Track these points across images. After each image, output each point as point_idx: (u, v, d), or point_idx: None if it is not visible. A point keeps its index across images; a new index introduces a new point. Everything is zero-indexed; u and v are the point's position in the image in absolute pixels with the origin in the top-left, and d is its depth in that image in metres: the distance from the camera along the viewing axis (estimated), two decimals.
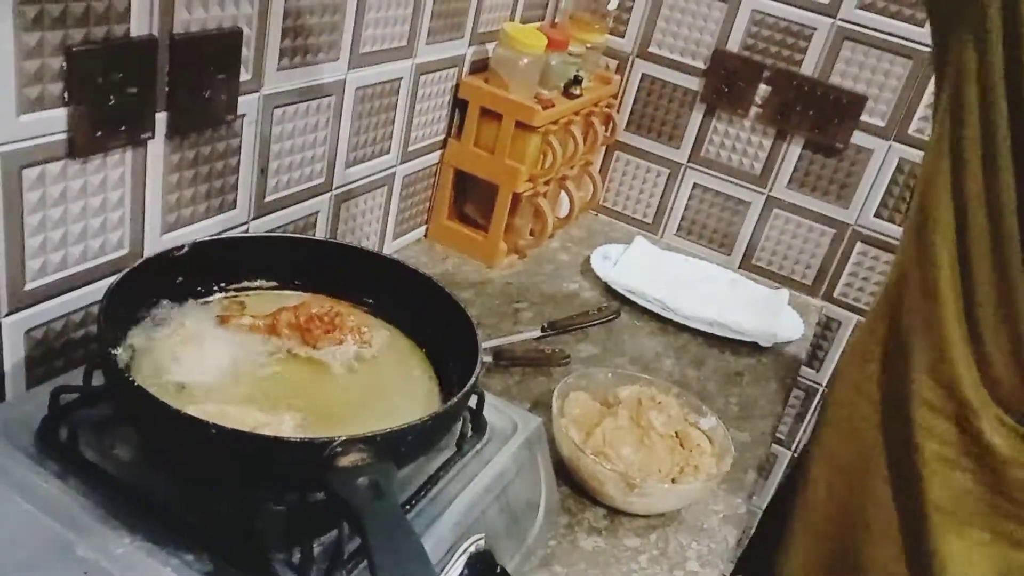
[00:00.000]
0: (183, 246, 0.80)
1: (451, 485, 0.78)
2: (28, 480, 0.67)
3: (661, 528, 1.00)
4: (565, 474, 1.00)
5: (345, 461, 0.61)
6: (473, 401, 0.82)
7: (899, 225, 1.55)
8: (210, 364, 0.75)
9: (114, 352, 0.72)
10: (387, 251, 1.42)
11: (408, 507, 0.73)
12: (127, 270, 0.74)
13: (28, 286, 0.81)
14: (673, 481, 0.98)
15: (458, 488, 0.78)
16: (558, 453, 1.00)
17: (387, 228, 1.39)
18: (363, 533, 0.57)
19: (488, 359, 1.15)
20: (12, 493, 0.66)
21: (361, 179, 1.26)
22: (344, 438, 0.62)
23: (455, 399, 0.70)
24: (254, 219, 1.07)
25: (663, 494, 0.96)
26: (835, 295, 1.65)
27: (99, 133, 0.80)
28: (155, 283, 0.79)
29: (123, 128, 0.83)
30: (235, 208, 1.03)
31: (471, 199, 1.51)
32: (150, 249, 0.93)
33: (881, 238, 1.58)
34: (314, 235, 1.20)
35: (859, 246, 1.60)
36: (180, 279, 0.82)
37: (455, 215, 1.52)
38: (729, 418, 1.22)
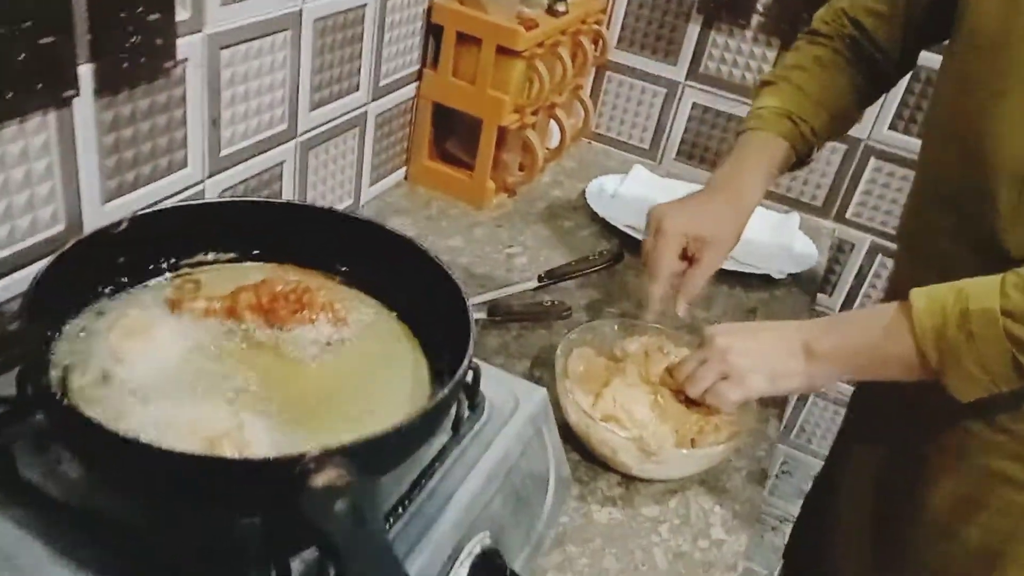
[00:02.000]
0: (120, 221, 0.69)
1: (449, 477, 0.69)
2: None
3: (680, 492, 0.92)
4: (573, 440, 0.92)
5: (320, 479, 0.52)
6: (468, 375, 0.73)
7: (916, 137, 1.44)
8: (159, 359, 0.65)
9: (46, 356, 0.62)
10: (365, 198, 1.30)
11: (401, 509, 0.64)
12: (54, 257, 0.63)
13: None
14: (692, 443, 0.89)
15: (457, 479, 0.69)
16: (564, 417, 0.91)
17: (363, 173, 1.27)
18: (342, 568, 0.48)
19: (482, 315, 1.06)
20: None
21: (329, 122, 1.13)
22: (316, 452, 0.52)
23: (446, 390, 0.60)
24: (210, 176, 0.95)
25: (682, 460, 0.87)
26: (847, 216, 1.54)
27: (10, 95, 0.68)
28: (92, 267, 0.68)
29: (40, 87, 0.71)
30: (187, 166, 0.91)
31: (453, 135, 1.38)
32: (91, 222, 0.82)
33: (897, 152, 1.46)
34: (281, 188, 1.09)
35: (873, 162, 1.49)
36: (122, 259, 0.71)
37: (437, 154, 1.40)
38: None
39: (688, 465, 0.89)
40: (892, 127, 1.45)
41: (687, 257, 0.98)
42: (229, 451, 0.57)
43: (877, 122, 1.45)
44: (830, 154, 1.50)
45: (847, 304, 1.60)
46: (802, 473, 1.79)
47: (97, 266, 0.69)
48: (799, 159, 1.03)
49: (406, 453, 0.61)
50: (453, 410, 0.71)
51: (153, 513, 0.59)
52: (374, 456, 0.57)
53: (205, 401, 0.62)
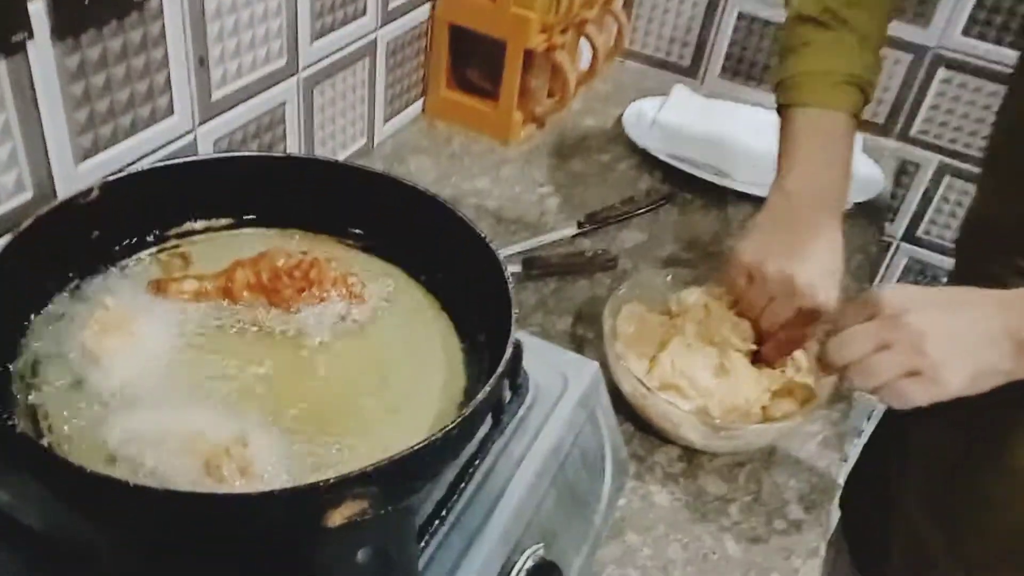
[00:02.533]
0: (90, 189, 0.58)
1: (492, 476, 0.59)
2: None
3: (749, 464, 0.81)
4: (625, 408, 0.81)
5: (337, 517, 0.42)
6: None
7: (994, 43, 1.28)
8: (143, 357, 0.54)
9: (5, 367, 0.51)
10: (379, 138, 1.18)
11: (437, 521, 0.54)
12: (9, 239, 0.52)
13: None
14: (764, 411, 0.78)
15: (502, 480, 0.59)
16: (615, 387, 0.81)
17: (375, 110, 1.14)
18: None
19: (516, 268, 0.94)
20: None
21: (334, 53, 1.00)
22: (332, 480, 0.42)
23: (487, 388, 0.49)
24: (202, 124, 0.83)
25: (754, 434, 0.77)
26: (912, 134, 1.39)
27: None
28: (59, 245, 0.58)
29: None
30: (173, 115, 0.79)
31: (473, 62, 1.24)
32: (66, 186, 0.71)
33: (970, 61, 1.30)
34: (284, 131, 0.96)
35: (942, 72, 1.33)
36: (96, 232, 0.60)
37: (456, 83, 1.26)
38: None
39: (759, 439, 0.78)
40: (965, 32, 1.29)
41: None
42: (228, 472, 0.47)
43: (948, 26, 1.29)
44: (893, 64, 1.34)
45: (910, 232, 1.47)
46: (858, 413, 1.68)
47: (66, 244, 0.58)
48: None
49: (441, 467, 0.51)
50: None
51: (138, 549, 0.49)
52: (403, 478, 0.46)
53: (199, 407, 0.52)
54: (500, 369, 0.51)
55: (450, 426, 0.47)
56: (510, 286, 0.57)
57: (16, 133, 0.65)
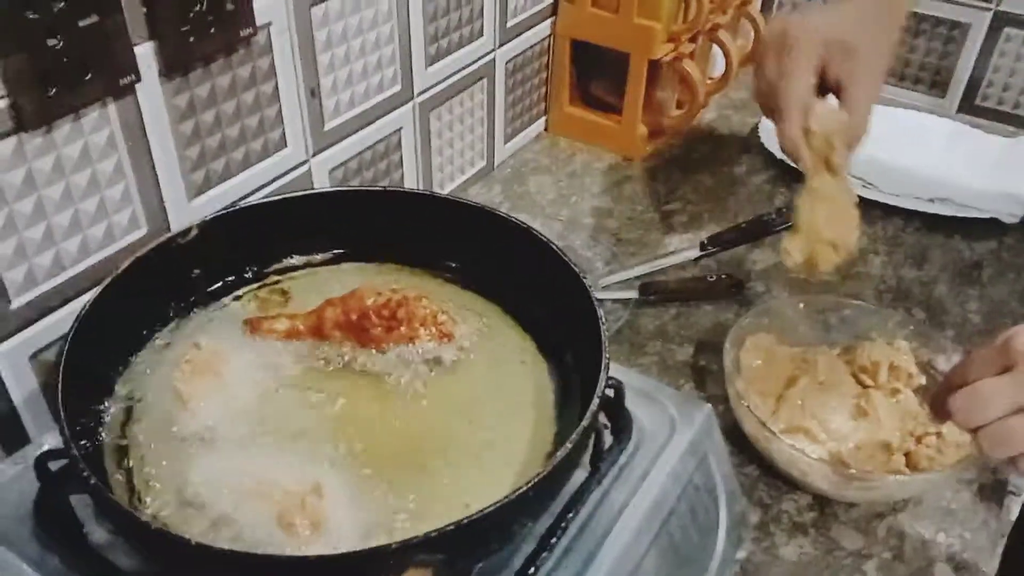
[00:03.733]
0: (189, 229, 0.59)
1: (588, 530, 0.55)
2: None
3: (891, 516, 0.73)
4: (750, 451, 0.75)
5: None
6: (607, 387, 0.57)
7: None
8: (231, 399, 0.54)
9: (99, 408, 0.52)
10: (500, 158, 1.16)
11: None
12: (101, 289, 0.53)
13: (15, 304, 0.62)
14: (908, 458, 0.70)
15: (598, 534, 0.54)
16: (737, 425, 0.74)
17: (495, 130, 1.12)
18: None
19: (632, 294, 0.89)
20: None
21: (451, 76, 0.99)
22: (394, 546, 0.39)
23: (567, 447, 0.46)
24: (315, 155, 0.84)
25: (896, 485, 0.68)
26: None
27: (53, 89, 0.58)
28: (158, 287, 0.59)
29: (89, 76, 0.60)
30: (286, 147, 0.80)
31: (597, 76, 1.20)
32: (179, 220, 0.72)
33: None
34: (401, 158, 0.96)
35: None
36: (196, 271, 0.61)
37: (579, 99, 1.22)
38: (969, 334, 0.91)
39: (901, 491, 0.70)
40: None
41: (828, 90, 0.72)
42: (300, 525, 0.46)
43: None
44: None
45: None
46: None
47: (165, 283, 0.60)
48: None
49: (518, 530, 0.47)
50: (589, 443, 0.56)
51: None
52: (473, 542, 0.43)
53: (280, 451, 0.51)
54: (585, 422, 0.47)
55: (525, 487, 0.43)
56: (603, 326, 0.53)
57: (128, 172, 0.67)
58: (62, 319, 0.66)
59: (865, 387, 0.75)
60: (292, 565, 0.40)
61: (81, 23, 0.58)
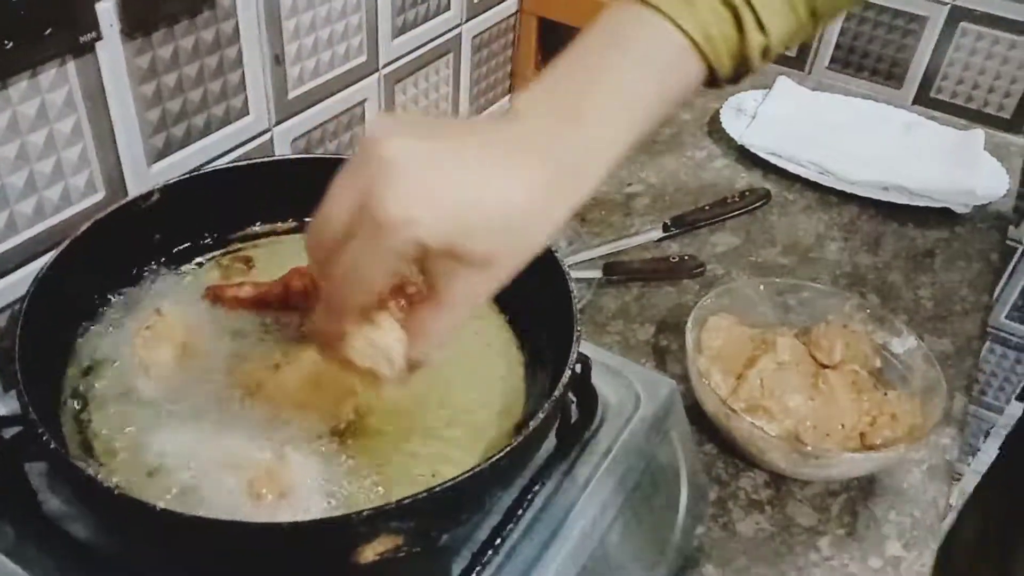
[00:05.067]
0: (150, 192, 0.57)
1: (552, 504, 0.55)
2: None
3: (845, 493, 0.74)
4: (709, 429, 0.76)
5: (369, 553, 0.39)
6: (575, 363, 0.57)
7: None
8: (193, 369, 0.53)
9: (57, 375, 0.51)
10: None
11: (493, 548, 0.50)
12: (58, 252, 0.52)
13: None
14: (863, 438, 0.71)
15: (563, 507, 0.55)
16: (697, 403, 0.75)
17: (460, 107, 1.11)
18: None
19: (596, 274, 0.89)
20: None
21: (417, 49, 0.98)
22: (365, 514, 0.39)
23: (542, 414, 0.46)
24: (278, 124, 0.82)
25: (850, 463, 0.70)
26: None
27: (10, 44, 0.56)
28: (118, 252, 0.57)
29: (49, 32, 0.58)
30: (248, 114, 0.79)
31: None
32: (137, 186, 0.71)
33: None
34: (364, 131, 0.94)
35: None
36: (157, 236, 0.60)
37: None
38: (921, 320, 0.93)
39: (855, 468, 0.72)
40: None
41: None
42: (269, 493, 0.45)
43: None
44: (1023, 54, 1.23)
45: None
46: (974, 428, 1.56)
47: (126, 247, 0.58)
48: (717, 78, 0.50)
49: (488, 500, 0.47)
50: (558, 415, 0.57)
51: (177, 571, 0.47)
52: (444, 511, 0.43)
53: (245, 421, 0.50)
54: (556, 394, 0.47)
55: (497, 456, 0.43)
56: (575, 300, 0.53)
57: (87, 134, 0.65)
58: (16, 283, 0.64)
59: (822, 367, 0.76)
60: (262, 532, 0.39)
61: None
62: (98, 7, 0.61)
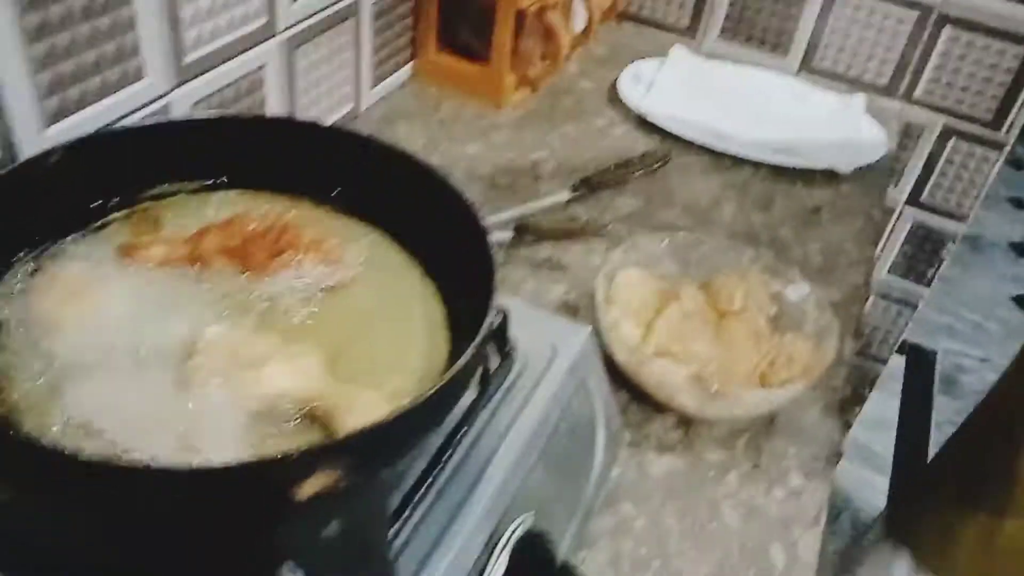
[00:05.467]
0: (52, 151, 0.55)
1: (477, 447, 0.56)
2: None
3: (749, 432, 0.79)
4: (620, 379, 0.79)
5: (305, 491, 0.39)
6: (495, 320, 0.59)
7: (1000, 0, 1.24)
8: (106, 325, 0.51)
9: None
10: (367, 103, 1.14)
11: (420, 492, 0.52)
12: None
13: None
14: (763, 378, 0.76)
15: (487, 450, 0.56)
16: (607, 356, 0.78)
17: (361, 73, 1.10)
18: None
19: (507, 235, 0.91)
20: None
21: (316, 13, 0.96)
22: (301, 451, 0.39)
23: (465, 357, 0.47)
24: (176, 88, 0.80)
25: (753, 401, 0.74)
26: (916, 95, 1.35)
27: None
28: (22, 210, 0.55)
29: None
30: (143, 78, 0.76)
31: (464, 22, 1.20)
32: (32, 151, 0.68)
33: (976, 19, 1.26)
34: (264, 99, 0.93)
35: (948, 30, 1.29)
36: (61, 196, 0.57)
37: (447, 46, 1.22)
38: (811, 271, 0.98)
39: (758, 406, 0.76)
40: None
41: None
42: (196, 448, 0.45)
43: None
44: (897, 23, 1.30)
45: (914, 196, 1.43)
46: (859, 379, 1.66)
47: (28, 209, 0.56)
48: None
49: (419, 438, 0.48)
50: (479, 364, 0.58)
51: (94, 533, 0.47)
52: (378, 449, 0.44)
53: (166, 378, 0.49)
54: (481, 334, 0.48)
55: (429, 393, 0.44)
56: (492, 248, 0.54)
57: None
58: None
59: (723, 315, 0.80)
60: (201, 476, 0.39)
61: None
62: None
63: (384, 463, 0.44)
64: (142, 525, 0.42)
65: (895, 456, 2.10)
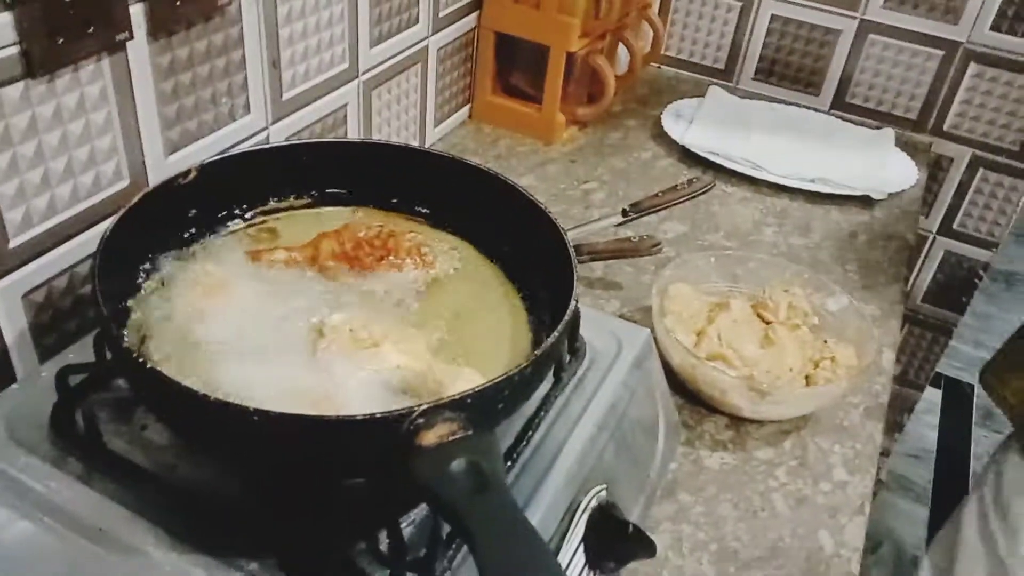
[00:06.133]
0: (188, 171, 0.64)
1: (555, 428, 0.64)
2: (44, 489, 0.54)
3: (795, 433, 0.85)
4: (675, 382, 0.86)
5: (431, 437, 0.47)
6: None
7: (1021, 37, 1.31)
8: (244, 315, 0.60)
9: (120, 328, 0.58)
10: (430, 140, 1.24)
11: (508, 464, 0.59)
12: (122, 212, 0.58)
13: (13, 243, 0.66)
14: (807, 380, 0.82)
15: (564, 430, 0.64)
16: (664, 359, 0.85)
17: (426, 113, 1.20)
18: (469, 539, 0.42)
19: None
20: (28, 508, 0.54)
21: (390, 59, 1.06)
22: (425, 406, 0.47)
23: (556, 333, 0.54)
24: (274, 123, 0.90)
25: (800, 399, 0.81)
26: (945, 128, 1.43)
27: (60, 40, 0.63)
28: (161, 221, 0.64)
29: (91, 30, 0.65)
30: (249, 112, 0.86)
31: (517, 67, 1.30)
32: (156, 176, 0.77)
33: (999, 55, 1.34)
34: (345, 133, 1.03)
35: (973, 67, 1.36)
36: (193, 211, 0.67)
37: (501, 88, 1.32)
38: (850, 290, 1.05)
39: (806, 404, 0.82)
40: (994, 27, 1.33)
41: None
42: (329, 411, 0.53)
43: (978, 21, 1.33)
44: (925, 61, 1.38)
45: (945, 225, 1.49)
46: (898, 406, 1.70)
47: (167, 220, 0.65)
48: None
49: (516, 404, 0.56)
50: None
51: (248, 479, 0.55)
52: (487, 408, 0.51)
53: (298, 357, 0.58)
54: (566, 318, 0.56)
55: (525, 364, 0.52)
56: (570, 248, 0.62)
57: (116, 126, 0.71)
58: (52, 262, 0.70)
59: (769, 324, 0.87)
60: (343, 425, 0.47)
61: None
62: (131, 8, 0.68)
63: (490, 421, 0.52)
64: (303, 465, 0.50)
65: (934, 487, 2.13)
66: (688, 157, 1.27)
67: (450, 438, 0.46)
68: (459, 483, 0.44)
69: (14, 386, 0.62)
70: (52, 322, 0.72)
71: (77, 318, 0.74)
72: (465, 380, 0.55)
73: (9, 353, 0.69)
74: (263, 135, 0.89)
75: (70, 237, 0.71)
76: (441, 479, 0.44)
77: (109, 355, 0.57)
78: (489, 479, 0.44)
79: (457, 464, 0.45)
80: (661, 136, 1.32)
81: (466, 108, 1.31)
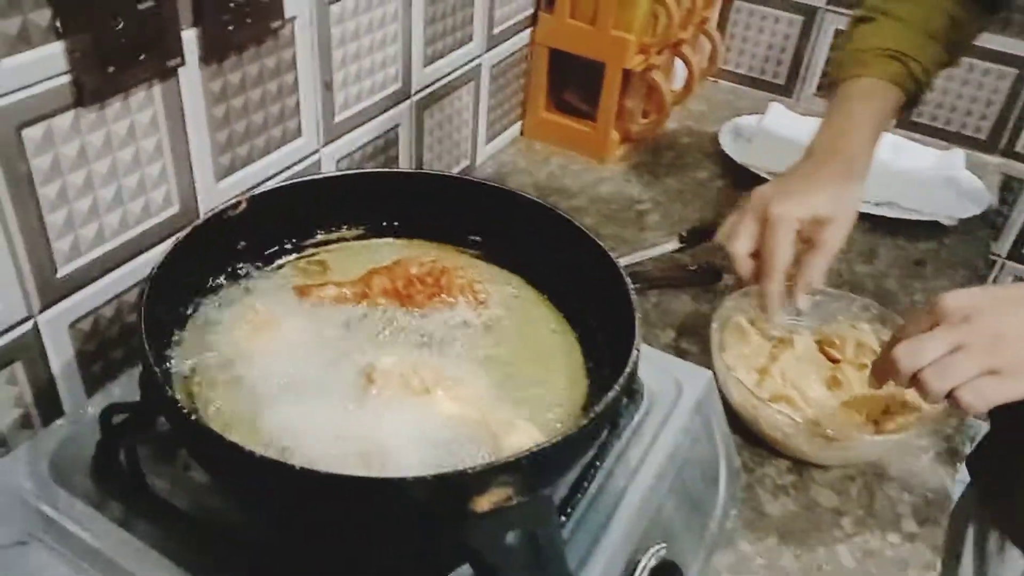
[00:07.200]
0: (238, 202, 0.63)
1: (612, 478, 0.61)
2: (84, 534, 0.53)
3: (860, 478, 0.81)
4: (735, 422, 0.82)
5: (484, 503, 0.44)
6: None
7: None
8: (292, 355, 0.58)
9: (165, 365, 0.56)
10: (481, 158, 1.21)
11: (563, 518, 0.56)
12: (172, 244, 0.57)
13: (61, 272, 0.65)
14: (877, 424, 0.78)
15: (622, 481, 0.60)
16: (723, 397, 0.81)
17: (478, 131, 1.18)
18: None
19: None
20: (67, 553, 0.52)
21: (443, 78, 1.04)
22: (478, 468, 0.45)
23: (616, 388, 0.51)
24: (325, 145, 0.88)
25: (869, 447, 0.76)
26: (1017, 149, 1.36)
27: (111, 68, 0.62)
28: (211, 253, 0.62)
29: (142, 57, 0.64)
30: (301, 136, 0.84)
31: (570, 84, 1.27)
32: (206, 202, 0.76)
33: None
34: (396, 153, 1.01)
35: None
36: (242, 243, 0.65)
37: (553, 105, 1.29)
38: None
39: (873, 450, 0.78)
40: None
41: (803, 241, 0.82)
42: (377, 464, 0.50)
43: None
44: (996, 80, 1.32)
45: (1016, 249, 1.43)
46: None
47: (216, 252, 0.63)
48: (910, 101, 0.89)
49: (574, 462, 0.53)
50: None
51: (292, 531, 0.52)
52: (543, 469, 0.48)
53: (347, 402, 0.55)
54: (627, 369, 0.53)
55: (585, 423, 0.49)
56: (633, 295, 0.59)
57: (166, 152, 0.70)
58: (100, 290, 0.69)
59: (835, 362, 0.83)
60: (391, 486, 0.44)
61: (140, 6, 0.62)
62: (183, 34, 0.67)
63: (544, 484, 0.49)
64: (349, 524, 0.47)
65: None
66: (746, 178, 1.22)
67: (506, 504, 0.44)
68: (515, 555, 0.41)
69: (59, 421, 0.61)
70: (99, 351, 0.71)
71: (124, 346, 0.73)
72: (520, 433, 0.53)
73: (56, 384, 0.68)
74: (314, 158, 0.87)
75: (118, 265, 0.70)
76: (495, 549, 0.41)
77: (153, 396, 0.55)
78: (546, 551, 0.41)
79: (512, 537, 0.42)
80: (718, 154, 1.27)
81: (518, 125, 1.29)
